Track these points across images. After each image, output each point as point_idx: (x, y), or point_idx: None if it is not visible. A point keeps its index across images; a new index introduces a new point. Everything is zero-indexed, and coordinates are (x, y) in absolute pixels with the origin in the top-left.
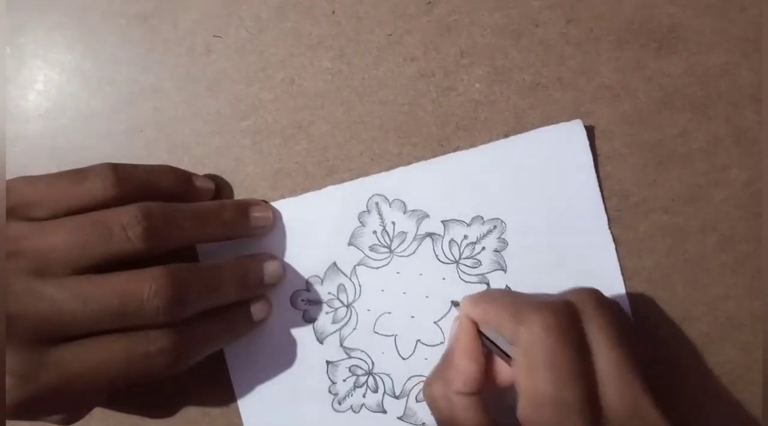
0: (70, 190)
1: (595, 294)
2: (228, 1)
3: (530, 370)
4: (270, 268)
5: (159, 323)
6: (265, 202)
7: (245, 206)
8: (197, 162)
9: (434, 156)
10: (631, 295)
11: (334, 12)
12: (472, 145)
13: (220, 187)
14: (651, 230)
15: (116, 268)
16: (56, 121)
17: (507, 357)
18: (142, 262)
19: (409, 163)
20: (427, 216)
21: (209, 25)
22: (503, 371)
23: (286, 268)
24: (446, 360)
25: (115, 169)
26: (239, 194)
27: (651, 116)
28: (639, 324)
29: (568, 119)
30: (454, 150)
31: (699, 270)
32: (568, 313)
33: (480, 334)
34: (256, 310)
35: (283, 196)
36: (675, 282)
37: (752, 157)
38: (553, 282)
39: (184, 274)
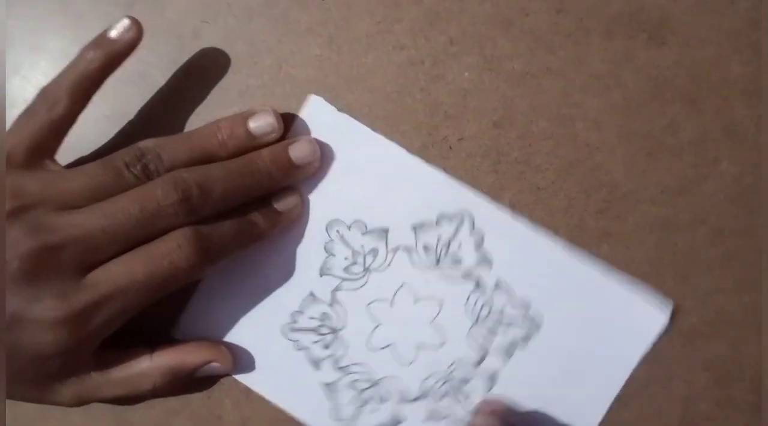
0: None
1: None
2: None
3: None
4: (298, 149)
5: (181, 222)
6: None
7: (241, 121)
8: None
9: (422, 144)
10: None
11: None
12: (461, 134)
13: None
14: (640, 222)
15: None
16: None
17: None
18: None
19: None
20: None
21: (197, 11)
22: None
23: (317, 146)
24: None
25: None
26: None
27: (640, 107)
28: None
29: (558, 109)
30: (443, 139)
31: (688, 263)
32: None
33: None
34: (282, 202)
35: None
36: (664, 275)
37: (742, 151)
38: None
39: (186, 172)
